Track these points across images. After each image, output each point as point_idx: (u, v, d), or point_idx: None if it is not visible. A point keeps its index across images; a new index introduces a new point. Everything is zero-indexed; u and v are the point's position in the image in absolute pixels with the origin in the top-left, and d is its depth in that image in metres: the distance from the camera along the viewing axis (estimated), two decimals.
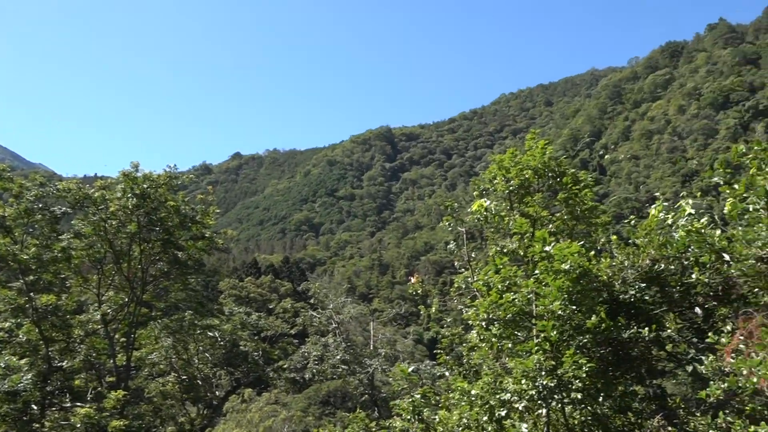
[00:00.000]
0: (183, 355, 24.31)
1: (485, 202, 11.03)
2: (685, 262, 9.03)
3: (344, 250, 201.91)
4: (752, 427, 6.76)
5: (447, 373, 11.64)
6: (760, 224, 7.57)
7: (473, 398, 9.31)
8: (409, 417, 10.01)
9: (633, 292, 9.22)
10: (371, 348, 31.73)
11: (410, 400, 10.10)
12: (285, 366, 30.05)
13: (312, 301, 31.38)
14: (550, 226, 10.98)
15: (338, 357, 28.34)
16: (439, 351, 12.65)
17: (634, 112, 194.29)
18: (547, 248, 9.27)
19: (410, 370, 10.52)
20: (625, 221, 10.69)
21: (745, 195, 7.30)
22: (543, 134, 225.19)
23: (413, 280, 13.12)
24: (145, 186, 18.43)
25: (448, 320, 12.88)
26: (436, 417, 10.06)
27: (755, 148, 7.42)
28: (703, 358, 8.21)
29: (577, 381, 8.25)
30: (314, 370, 28.65)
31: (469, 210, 11.61)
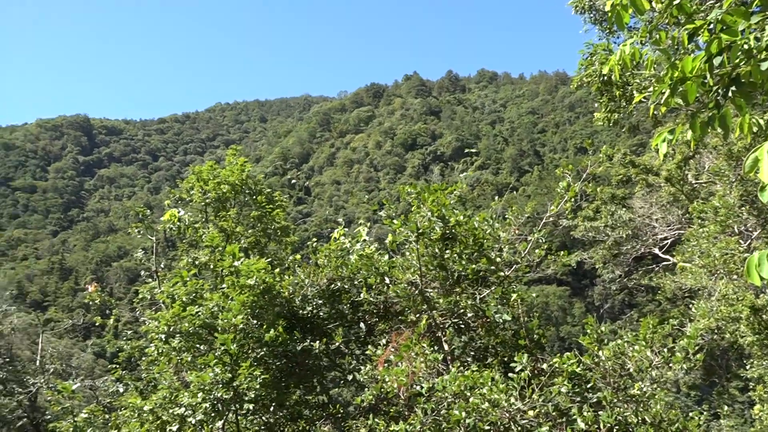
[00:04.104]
0: None
1: (178, 212, 10.84)
2: (356, 283, 10.20)
3: (16, 250, 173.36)
4: (392, 426, 7.93)
5: (121, 389, 10.95)
6: (413, 254, 9.03)
7: (145, 414, 8.97)
8: None
9: (310, 308, 10.05)
10: (38, 364, 27.91)
11: (72, 420, 9.23)
12: None
13: None
14: (243, 241, 11.29)
15: None
16: (114, 365, 11.86)
17: (339, 141, 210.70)
18: (236, 263, 9.54)
19: (75, 387, 9.62)
20: (315, 241, 11.61)
21: (402, 229, 8.64)
22: (255, 149, 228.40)
23: (91, 288, 12.07)
24: None
25: (129, 332, 12.16)
26: None
27: (413, 190, 8.86)
28: (362, 367, 9.35)
29: (251, 392, 8.59)
30: None
31: (162, 218, 11.25)
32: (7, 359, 25.61)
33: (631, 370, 7.30)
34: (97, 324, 11.83)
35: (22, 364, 27.98)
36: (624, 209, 28.76)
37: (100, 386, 22.05)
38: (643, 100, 8.89)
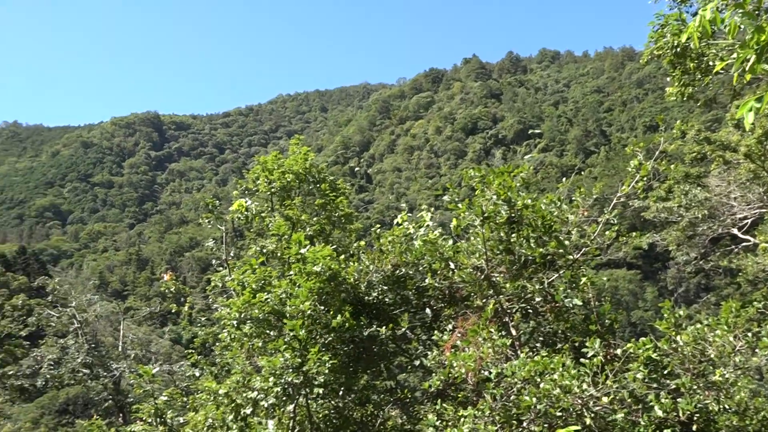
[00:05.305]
0: None
1: (246, 202, 11.11)
2: (421, 268, 10.16)
3: (97, 243, 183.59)
4: (460, 411, 7.89)
5: (197, 373, 11.41)
6: (478, 238, 8.91)
7: (220, 397, 9.30)
8: (150, 420, 9.61)
9: (376, 294, 10.09)
10: (120, 349, 29.49)
11: (153, 402, 9.69)
12: (11, 372, 26.44)
13: (50, 298, 27.98)
14: (308, 229, 11.46)
15: (79, 360, 25.78)
16: (190, 351, 12.35)
17: (399, 128, 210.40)
18: (302, 251, 9.70)
19: (155, 370, 10.10)
20: (378, 228, 11.64)
21: (466, 213, 8.53)
22: (317, 138, 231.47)
23: (167, 277, 12.59)
24: None
25: (203, 319, 12.63)
26: (181, 419, 9.81)
27: (476, 174, 8.72)
28: (429, 353, 9.34)
29: (320, 377, 8.75)
30: (48, 376, 25.64)
31: (230, 209, 11.58)
32: (93, 345, 27.17)
33: (712, 355, 6.96)
34: (172, 311, 12.36)
35: (105, 349, 29.61)
36: (699, 188, 27.37)
37: (177, 371, 23.10)
38: (721, 71, 8.38)
